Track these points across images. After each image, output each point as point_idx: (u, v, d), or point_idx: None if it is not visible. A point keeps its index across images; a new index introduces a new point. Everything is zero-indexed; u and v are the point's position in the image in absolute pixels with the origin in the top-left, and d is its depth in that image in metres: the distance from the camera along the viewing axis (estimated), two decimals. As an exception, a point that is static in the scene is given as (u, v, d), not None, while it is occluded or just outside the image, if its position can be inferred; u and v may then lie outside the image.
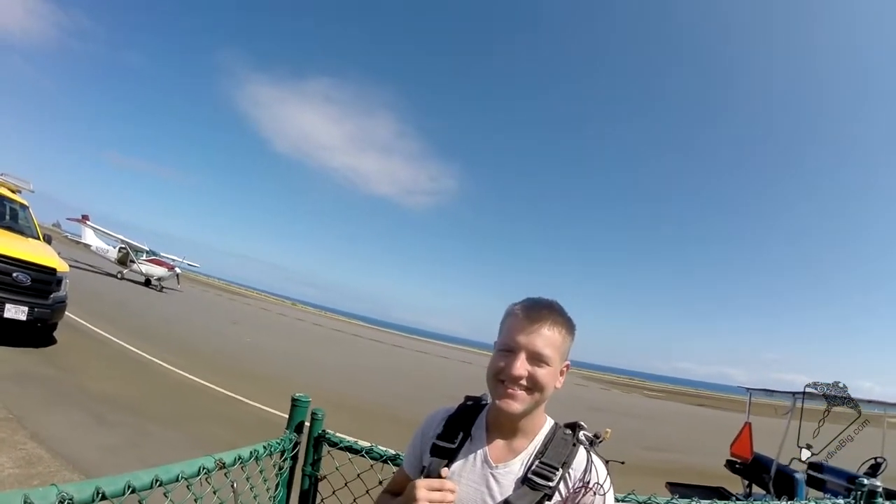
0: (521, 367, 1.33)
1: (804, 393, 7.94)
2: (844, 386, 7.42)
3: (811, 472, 7.95)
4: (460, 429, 1.47)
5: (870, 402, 7.57)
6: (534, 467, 1.36)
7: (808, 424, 7.83)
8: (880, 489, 2.80)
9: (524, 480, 1.34)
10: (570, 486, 1.35)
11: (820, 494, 7.51)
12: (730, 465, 8.64)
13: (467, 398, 1.60)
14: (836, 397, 7.49)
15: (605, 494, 1.36)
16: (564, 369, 1.44)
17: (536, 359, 1.34)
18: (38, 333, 10.26)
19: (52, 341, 10.74)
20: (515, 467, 1.38)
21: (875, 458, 7.44)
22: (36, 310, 9.26)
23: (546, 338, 1.35)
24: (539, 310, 1.40)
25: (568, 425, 1.49)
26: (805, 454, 7.45)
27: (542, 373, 1.34)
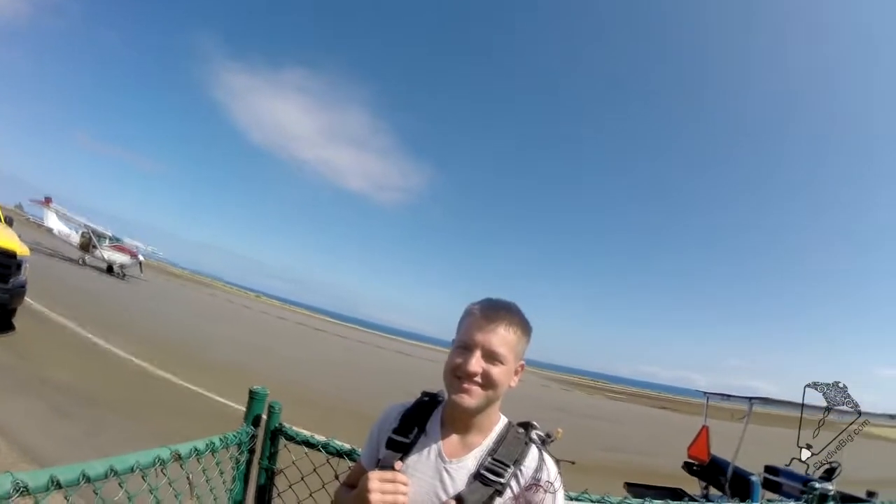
0: (477, 364, 1.38)
1: (760, 398, 8.15)
2: (845, 386, 7.60)
3: (767, 476, 8.16)
4: (415, 424, 1.51)
5: (826, 409, 7.76)
6: (486, 463, 1.39)
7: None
8: (832, 492, 2.89)
9: (476, 476, 1.38)
10: (522, 483, 1.39)
11: (776, 497, 7.70)
12: (687, 466, 8.83)
13: (424, 394, 1.63)
14: (793, 404, 7.67)
15: (555, 493, 1.41)
16: (519, 369, 1.49)
17: (491, 357, 1.39)
18: (-5, 319, 9.95)
19: (11, 328, 10.42)
20: (468, 463, 1.41)
21: (830, 463, 7.64)
22: (-6, 294, 8.99)
23: (502, 337, 1.40)
24: (497, 310, 1.45)
25: (521, 424, 1.54)
26: (805, 454, 7.60)
27: (496, 371, 1.39)
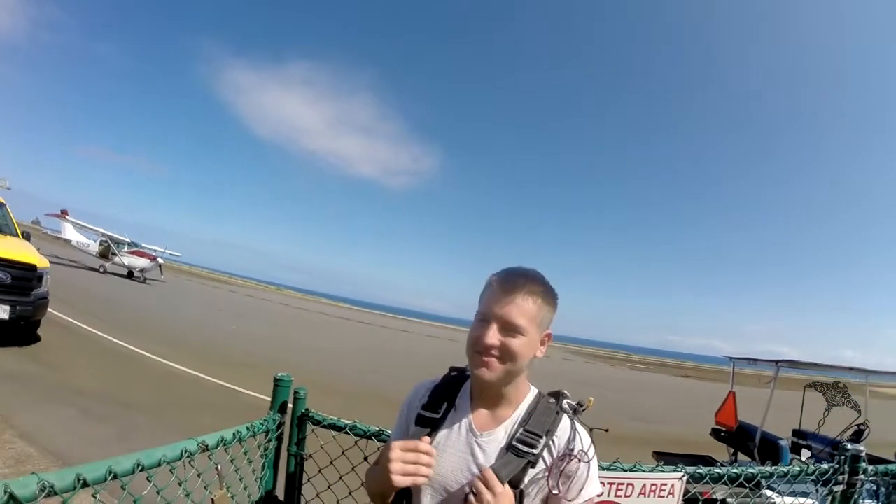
0: (493, 336, 1.34)
1: (787, 361, 8.06)
2: (844, 386, 7.63)
3: (795, 440, 8.08)
4: (445, 399, 1.49)
5: (851, 369, 7.70)
6: (518, 435, 1.37)
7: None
8: (863, 454, 2.83)
9: (508, 448, 1.35)
10: (555, 453, 1.37)
11: (804, 461, 7.63)
12: (715, 433, 8.75)
13: (452, 369, 1.61)
14: (821, 366, 7.66)
15: (589, 462, 1.38)
16: (545, 339, 1.44)
17: (509, 329, 1.34)
18: (21, 332, 10.10)
19: (36, 339, 10.60)
20: (499, 435, 1.39)
21: (858, 425, 7.57)
22: (18, 308, 9.12)
23: (520, 307, 1.35)
24: (514, 279, 1.39)
25: (552, 394, 1.51)
26: (805, 454, 7.65)
27: (514, 343, 1.34)
